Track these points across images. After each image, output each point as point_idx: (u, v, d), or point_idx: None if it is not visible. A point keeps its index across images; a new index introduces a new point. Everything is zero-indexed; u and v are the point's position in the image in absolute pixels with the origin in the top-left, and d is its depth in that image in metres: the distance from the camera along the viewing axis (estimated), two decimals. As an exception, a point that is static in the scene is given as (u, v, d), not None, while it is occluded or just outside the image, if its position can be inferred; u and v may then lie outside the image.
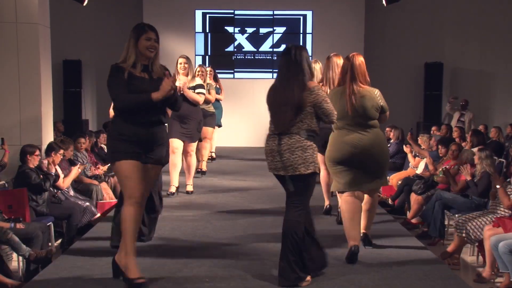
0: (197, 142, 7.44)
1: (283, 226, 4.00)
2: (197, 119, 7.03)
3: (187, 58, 7.18)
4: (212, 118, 8.61)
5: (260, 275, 4.18)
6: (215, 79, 9.69)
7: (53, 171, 6.42)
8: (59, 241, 6.29)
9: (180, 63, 7.07)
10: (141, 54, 3.91)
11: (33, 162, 6.17)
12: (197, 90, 6.96)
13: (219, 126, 9.88)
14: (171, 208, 6.34)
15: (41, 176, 6.21)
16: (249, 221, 5.95)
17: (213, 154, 10.38)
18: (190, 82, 6.96)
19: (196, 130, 7.10)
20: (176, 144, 6.90)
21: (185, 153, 7.12)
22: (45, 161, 6.43)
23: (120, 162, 3.84)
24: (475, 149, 6.95)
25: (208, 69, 9.35)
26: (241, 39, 13.34)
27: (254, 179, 8.40)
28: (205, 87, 7.66)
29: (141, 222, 4.56)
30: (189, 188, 7.25)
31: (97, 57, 13.73)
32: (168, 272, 4.23)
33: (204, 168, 8.70)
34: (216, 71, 12.44)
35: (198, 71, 8.12)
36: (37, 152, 6.25)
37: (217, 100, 9.30)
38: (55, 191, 6.41)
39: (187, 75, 7.05)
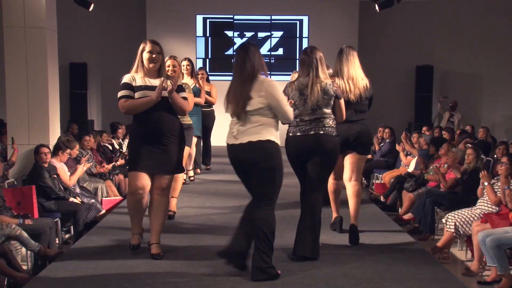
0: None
1: None
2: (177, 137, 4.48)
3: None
4: (189, 133, 5.74)
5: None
6: (193, 75, 7.15)
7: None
8: (67, 236, 6.29)
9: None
10: None
11: (40, 160, 6.20)
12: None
13: (198, 137, 7.61)
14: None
15: (54, 176, 6.24)
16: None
17: (191, 173, 7.73)
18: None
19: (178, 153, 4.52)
20: (144, 181, 4.32)
21: (156, 190, 4.41)
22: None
23: None
24: (461, 145, 6.96)
25: (185, 63, 6.99)
26: (240, 42, 13.33)
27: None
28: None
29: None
30: (154, 250, 4.43)
31: (102, 60, 13.76)
32: (169, 266, 4.23)
33: (173, 207, 5.73)
34: (216, 73, 12.53)
35: (169, 65, 5.71)
36: (47, 150, 6.27)
37: (195, 105, 6.70)
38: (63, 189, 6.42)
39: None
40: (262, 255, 3.85)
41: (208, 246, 4.79)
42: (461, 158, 6.46)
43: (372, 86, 4.95)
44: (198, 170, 8.50)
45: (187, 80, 6.86)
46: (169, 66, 5.73)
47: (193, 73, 7.16)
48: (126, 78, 4.35)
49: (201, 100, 7.25)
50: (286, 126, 4.44)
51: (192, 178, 7.78)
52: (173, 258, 4.42)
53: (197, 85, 7.17)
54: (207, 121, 8.27)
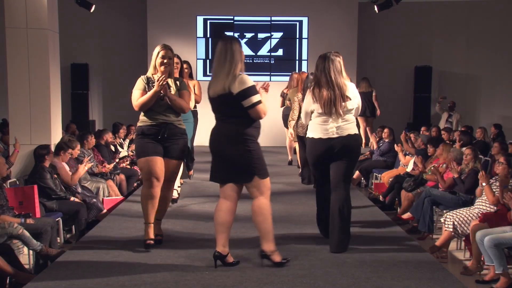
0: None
1: None
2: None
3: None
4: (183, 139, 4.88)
5: (258, 268, 4.19)
6: (181, 74, 5.95)
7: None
8: (69, 235, 6.29)
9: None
10: None
11: (50, 160, 6.22)
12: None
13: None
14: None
15: (55, 175, 6.24)
16: (248, 216, 5.93)
17: (178, 191, 6.60)
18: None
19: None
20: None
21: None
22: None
23: None
24: (462, 148, 6.96)
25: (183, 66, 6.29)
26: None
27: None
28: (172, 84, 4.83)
29: None
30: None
31: (104, 61, 13.77)
32: (170, 265, 4.24)
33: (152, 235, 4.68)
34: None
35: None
36: (51, 150, 6.30)
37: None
38: (64, 188, 6.42)
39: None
40: (347, 229, 4.64)
41: (208, 245, 4.79)
42: (458, 158, 6.45)
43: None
44: (182, 181, 7.33)
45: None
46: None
47: (182, 71, 6.06)
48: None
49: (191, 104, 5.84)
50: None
51: (175, 197, 6.42)
52: (174, 257, 4.42)
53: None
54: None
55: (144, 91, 4.62)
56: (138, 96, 4.63)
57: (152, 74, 4.69)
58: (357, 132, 4.72)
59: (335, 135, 4.59)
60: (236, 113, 4.04)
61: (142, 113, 4.69)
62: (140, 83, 4.69)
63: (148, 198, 4.59)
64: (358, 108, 4.77)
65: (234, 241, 4.93)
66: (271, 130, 12.06)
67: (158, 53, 4.68)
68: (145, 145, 4.61)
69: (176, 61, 5.73)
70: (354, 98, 4.67)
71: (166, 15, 12.98)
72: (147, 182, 4.58)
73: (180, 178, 6.86)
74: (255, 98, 4.00)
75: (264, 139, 13.96)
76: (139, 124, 4.70)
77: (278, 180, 8.13)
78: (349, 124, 4.65)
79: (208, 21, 13.26)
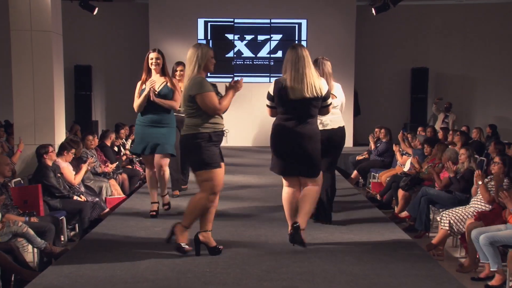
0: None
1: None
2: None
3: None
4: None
5: (258, 266, 4.19)
6: (173, 75, 6.39)
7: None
8: (72, 233, 6.30)
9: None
10: None
11: (50, 159, 6.21)
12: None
13: (173, 155, 5.89)
14: (174, 203, 6.31)
15: (59, 174, 6.24)
16: (248, 214, 5.95)
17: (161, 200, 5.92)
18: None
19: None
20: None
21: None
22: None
23: None
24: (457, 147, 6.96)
25: (179, 68, 6.60)
26: (240, 45, 13.32)
27: (253, 176, 8.41)
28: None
29: None
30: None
31: (106, 63, 13.79)
32: (171, 263, 4.24)
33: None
34: (217, 75, 12.50)
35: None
36: (51, 149, 6.28)
37: (168, 113, 5.77)
38: (68, 187, 6.42)
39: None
40: (332, 203, 5.35)
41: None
42: (453, 158, 6.45)
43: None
44: (177, 192, 6.78)
45: (156, 78, 5.64)
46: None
47: (164, 70, 5.75)
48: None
49: (175, 104, 5.66)
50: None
51: (166, 207, 5.90)
52: (175, 255, 4.42)
53: (169, 84, 5.66)
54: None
55: None
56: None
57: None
58: (344, 124, 5.39)
59: (329, 127, 5.18)
60: (315, 112, 4.45)
61: (214, 117, 4.29)
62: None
63: (212, 209, 4.46)
64: (342, 105, 5.42)
65: (234, 240, 4.95)
66: (268, 130, 12.08)
67: (208, 53, 4.35)
68: (217, 154, 4.32)
69: (158, 56, 5.71)
70: (339, 95, 5.33)
71: (168, 18, 12.99)
72: (216, 194, 4.41)
73: (175, 190, 6.75)
74: (330, 99, 4.51)
75: (261, 139, 13.97)
76: (212, 129, 4.27)
77: (275, 177, 8.14)
78: (338, 118, 5.30)
79: (209, 24, 13.26)
